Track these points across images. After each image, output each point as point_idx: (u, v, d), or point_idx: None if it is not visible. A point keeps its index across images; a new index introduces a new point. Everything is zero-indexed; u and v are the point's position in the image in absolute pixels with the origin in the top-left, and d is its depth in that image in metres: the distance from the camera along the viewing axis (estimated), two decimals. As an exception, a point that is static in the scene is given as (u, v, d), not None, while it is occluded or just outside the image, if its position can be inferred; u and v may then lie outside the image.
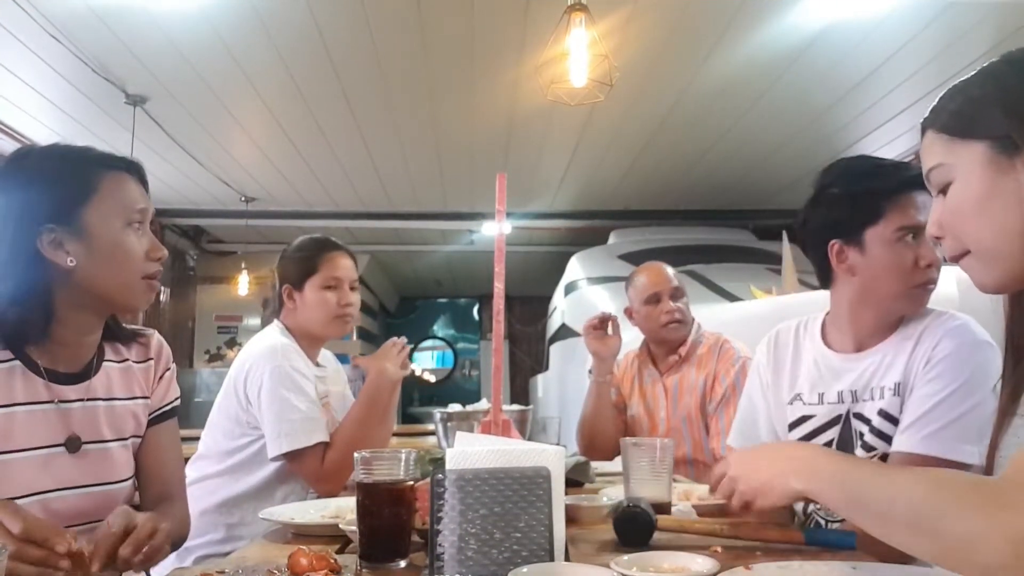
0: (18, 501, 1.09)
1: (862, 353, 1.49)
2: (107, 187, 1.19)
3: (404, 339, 2.01)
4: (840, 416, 1.48)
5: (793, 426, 1.55)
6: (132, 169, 1.25)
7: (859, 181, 1.44)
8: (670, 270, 2.43)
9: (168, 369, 1.40)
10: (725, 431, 2.14)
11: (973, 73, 0.90)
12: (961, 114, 0.87)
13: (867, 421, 1.43)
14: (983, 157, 0.84)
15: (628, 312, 2.45)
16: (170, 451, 1.38)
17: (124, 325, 1.34)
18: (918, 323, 1.44)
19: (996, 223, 0.84)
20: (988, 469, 0.91)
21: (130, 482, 1.30)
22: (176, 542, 1.35)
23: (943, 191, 0.89)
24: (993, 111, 0.84)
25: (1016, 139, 0.81)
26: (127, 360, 1.33)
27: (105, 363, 1.29)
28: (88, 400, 1.23)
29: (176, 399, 1.42)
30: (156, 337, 1.39)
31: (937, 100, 0.93)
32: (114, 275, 1.18)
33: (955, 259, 0.90)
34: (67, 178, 1.17)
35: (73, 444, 1.19)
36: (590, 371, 2.41)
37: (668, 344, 2.37)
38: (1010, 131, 0.82)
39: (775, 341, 1.66)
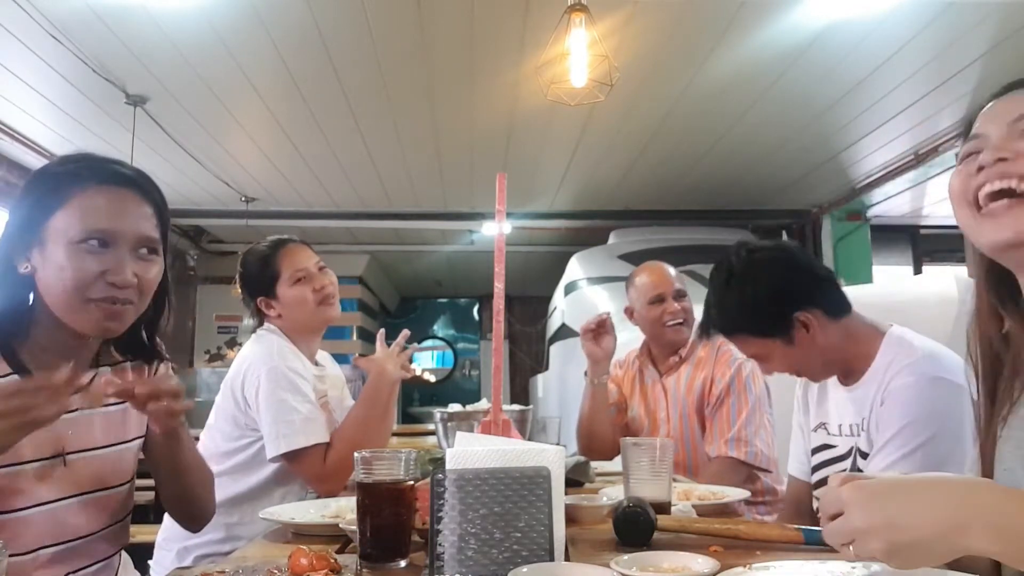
0: (26, 512, 1.10)
1: (852, 386, 1.53)
2: (77, 201, 1.14)
3: (407, 332, 2.01)
4: (852, 449, 1.52)
5: (815, 451, 1.61)
6: (130, 184, 1.19)
7: None
8: (672, 270, 2.42)
9: (162, 362, 1.36)
10: (720, 434, 2.17)
11: None
12: None
13: (865, 455, 1.47)
14: None
15: (628, 312, 2.44)
16: None
17: None
18: (887, 356, 1.48)
19: None
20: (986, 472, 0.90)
21: (127, 487, 1.28)
22: (200, 515, 1.38)
23: None
24: None
25: None
26: (120, 360, 1.31)
27: (101, 369, 1.26)
28: (81, 409, 1.21)
29: None
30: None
31: None
32: (58, 292, 1.13)
33: (1012, 179, 0.82)
34: (40, 187, 1.16)
35: (64, 455, 1.17)
36: (586, 373, 2.41)
37: (670, 345, 2.37)
38: None
39: None
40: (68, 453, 1.18)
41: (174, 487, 1.33)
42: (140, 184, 1.20)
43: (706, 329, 1.68)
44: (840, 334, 1.52)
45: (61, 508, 1.16)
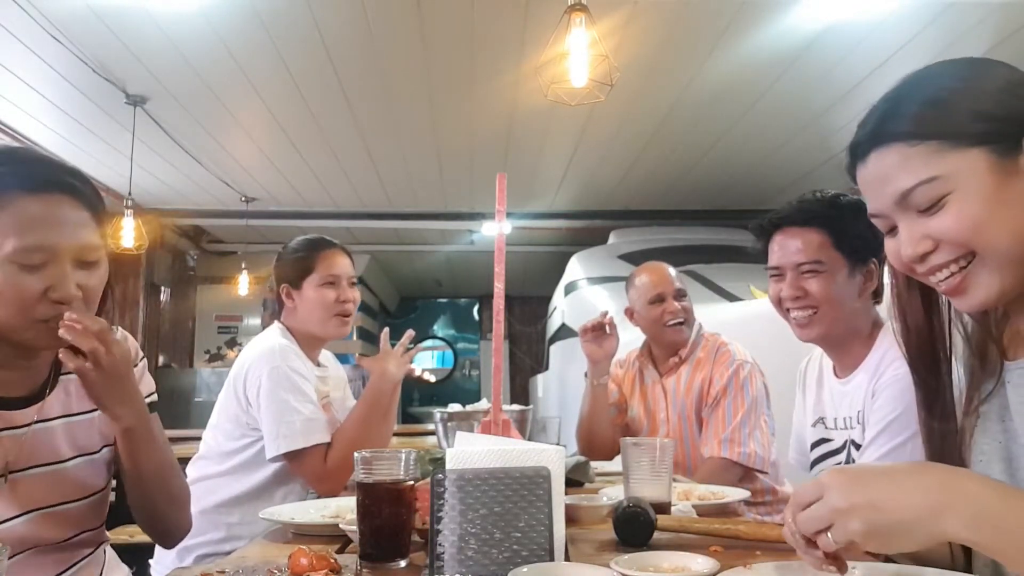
0: None
1: (846, 379, 1.54)
2: (6, 213, 1.03)
3: (412, 333, 2.00)
4: (846, 442, 1.52)
5: (814, 446, 1.62)
6: (64, 189, 1.07)
7: None
8: (672, 270, 2.41)
9: (135, 364, 1.26)
10: (714, 434, 2.18)
11: (927, 76, 0.92)
12: (954, 122, 0.83)
13: (859, 447, 1.48)
14: (986, 164, 0.80)
15: (629, 313, 2.43)
16: None
17: None
18: (880, 349, 1.49)
19: (1012, 226, 0.79)
20: None
21: (99, 496, 1.22)
22: (165, 531, 1.30)
23: (931, 207, 0.82)
24: (986, 116, 0.81)
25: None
26: None
27: (63, 376, 1.19)
28: (40, 422, 1.13)
29: (150, 394, 1.29)
30: (119, 333, 1.22)
31: (890, 110, 0.92)
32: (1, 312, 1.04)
33: (950, 265, 0.83)
34: None
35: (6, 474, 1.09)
36: (586, 374, 2.40)
37: (670, 345, 2.36)
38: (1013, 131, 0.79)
39: (808, 363, 1.75)
40: (13, 471, 1.09)
41: (136, 492, 1.23)
42: (73, 187, 1.09)
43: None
44: (865, 311, 1.53)
45: (19, 524, 1.08)
